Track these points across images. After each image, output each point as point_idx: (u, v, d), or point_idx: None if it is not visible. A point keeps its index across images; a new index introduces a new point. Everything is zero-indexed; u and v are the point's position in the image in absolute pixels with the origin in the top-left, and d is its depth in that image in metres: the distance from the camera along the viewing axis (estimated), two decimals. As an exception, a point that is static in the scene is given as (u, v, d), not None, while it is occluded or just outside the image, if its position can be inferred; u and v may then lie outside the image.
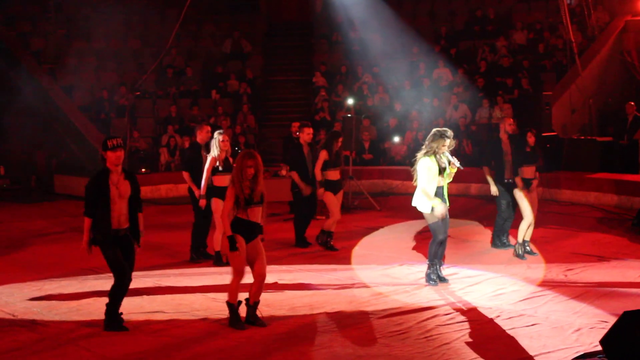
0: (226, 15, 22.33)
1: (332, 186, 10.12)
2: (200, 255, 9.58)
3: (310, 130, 10.46)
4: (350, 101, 16.50)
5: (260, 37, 21.98)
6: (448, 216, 8.14)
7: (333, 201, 10.13)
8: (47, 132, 17.15)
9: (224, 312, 7.06)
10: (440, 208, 7.93)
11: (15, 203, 15.14)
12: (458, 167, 7.92)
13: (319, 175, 10.09)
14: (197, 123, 17.11)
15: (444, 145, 7.95)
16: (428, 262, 8.32)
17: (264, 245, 6.85)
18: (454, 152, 8.23)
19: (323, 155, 10.09)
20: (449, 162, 7.95)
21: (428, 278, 8.27)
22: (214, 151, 9.02)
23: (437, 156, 7.96)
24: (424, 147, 8.06)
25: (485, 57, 19.01)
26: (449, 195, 8.13)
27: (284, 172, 13.78)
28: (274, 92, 20.64)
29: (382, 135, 17.62)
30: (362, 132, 16.61)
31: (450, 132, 8.04)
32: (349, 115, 15.09)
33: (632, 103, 15.27)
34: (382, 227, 11.86)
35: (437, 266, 8.29)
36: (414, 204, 8.19)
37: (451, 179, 8.13)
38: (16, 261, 9.78)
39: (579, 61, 16.69)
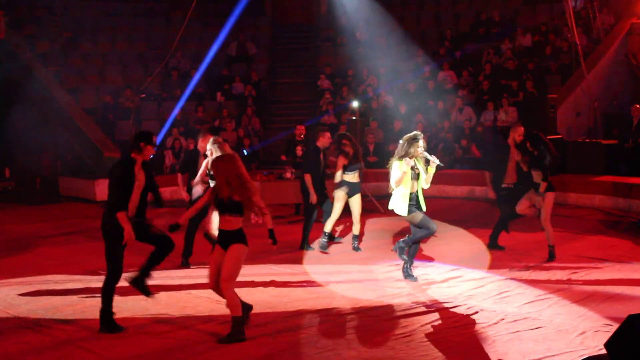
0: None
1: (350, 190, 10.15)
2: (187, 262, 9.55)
3: (329, 135, 10.40)
4: (355, 104, 16.50)
5: (266, 39, 22.04)
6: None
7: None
8: (52, 134, 17.19)
9: (229, 315, 7.07)
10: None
11: (20, 205, 15.18)
12: (438, 165, 7.99)
13: (338, 178, 10.08)
14: (202, 126, 17.17)
15: (418, 147, 8.06)
16: (407, 259, 8.50)
17: (276, 248, 6.81)
18: (441, 154, 8.26)
19: (341, 160, 10.08)
20: (428, 162, 8.03)
21: (407, 274, 8.45)
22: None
23: (413, 161, 8.03)
24: (396, 153, 8.16)
25: (490, 60, 19.01)
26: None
27: (288, 175, 13.78)
28: (278, 95, 20.68)
29: (387, 137, 17.62)
30: (367, 134, 16.60)
31: (420, 134, 8.17)
32: (354, 117, 15.08)
33: (638, 106, 15.23)
34: (386, 229, 11.85)
35: (410, 264, 8.52)
36: (390, 207, 8.35)
37: (429, 184, 8.20)
38: (21, 263, 9.80)
39: (584, 64, 16.67)
